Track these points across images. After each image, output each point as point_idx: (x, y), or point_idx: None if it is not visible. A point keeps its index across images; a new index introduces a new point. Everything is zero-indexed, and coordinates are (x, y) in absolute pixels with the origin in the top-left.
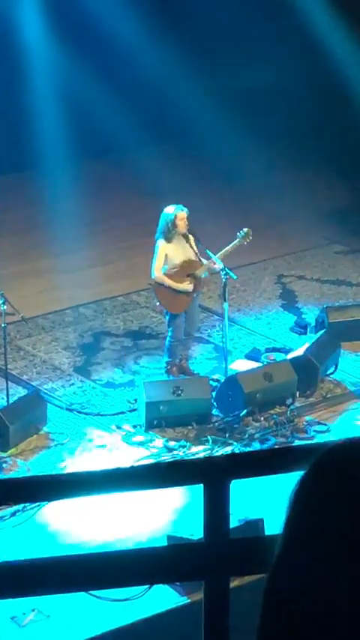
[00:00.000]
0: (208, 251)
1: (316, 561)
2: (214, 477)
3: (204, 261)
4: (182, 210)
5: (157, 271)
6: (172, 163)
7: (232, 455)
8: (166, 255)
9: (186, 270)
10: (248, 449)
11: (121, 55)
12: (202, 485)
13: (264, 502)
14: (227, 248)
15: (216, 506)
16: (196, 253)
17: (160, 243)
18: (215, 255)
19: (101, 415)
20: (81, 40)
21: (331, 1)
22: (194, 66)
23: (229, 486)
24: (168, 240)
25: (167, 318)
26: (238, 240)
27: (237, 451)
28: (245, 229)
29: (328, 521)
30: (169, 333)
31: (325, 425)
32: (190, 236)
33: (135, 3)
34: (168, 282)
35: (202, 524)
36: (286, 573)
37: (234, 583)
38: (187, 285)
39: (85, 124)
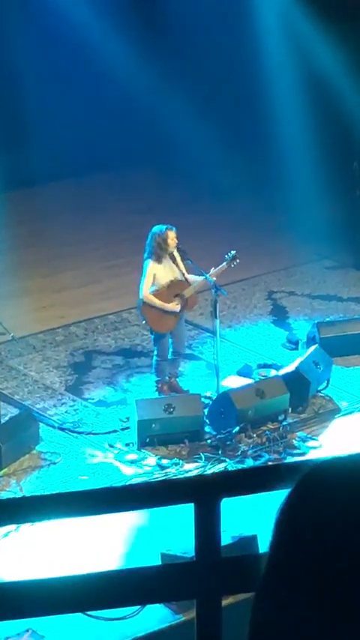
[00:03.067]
0: (198, 268)
1: (299, 581)
2: (204, 496)
3: (191, 280)
4: (171, 229)
5: (146, 291)
6: (160, 181)
7: (222, 473)
8: (154, 275)
9: (173, 290)
10: (241, 466)
11: (110, 73)
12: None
13: (259, 518)
14: (215, 270)
15: (207, 525)
16: (182, 273)
17: (150, 263)
18: (202, 276)
19: (93, 434)
20: (70, 58)
21: (319, 11)
22: (184, 84)
23: (220, 505)
24: (158, 260)
25: (152, 337)
26: (225, 262)
27: (230, 468)
28: (232, 252)
29: (310, 542)
30: (155, 352)
31: (318, 440)
32: (177, 255)
33: (124, 21)
34: (156, 302)
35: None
36: (270, 594)
37: (227, 601)
38: (174, 306)
39: (75, 142)
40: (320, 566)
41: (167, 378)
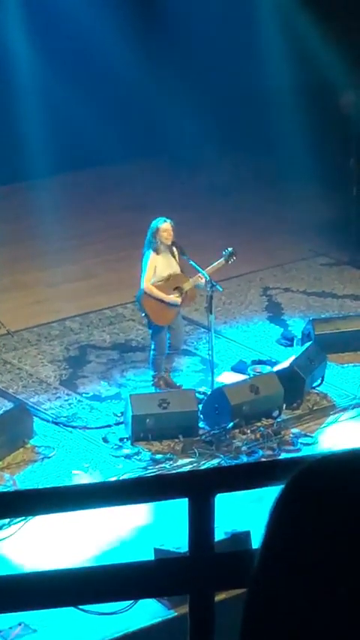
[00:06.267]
0: (194, 264)
1: (291, 577)
2: (198, 491)
3: (193, 270)
4: (166, 221)
5: (147, 282)
6: (157, 176)
7: (216, 468)
8: (154, 268)
9: (172, 283)
10: (235, 461)
11: (107, 67)
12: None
13: (252, 514)
14: (212, 266)
15: (201, 521)
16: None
17: (150, 254)
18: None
19: (88, 428)
20: (66, 51)
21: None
22: (182, 78)
23: (214, 500)
24: (156, 252)
25: (150, 331)
26: (223, 258)
27: (224, 464)
28: (230, 249)
29: (303, 538)
30: (152, 347)
31: (312, 437)
32: (175, 249)
33: (121, 15)
34: (157, 293)
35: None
36: (262, 589)
37: (220, 596)
38: (175, 298)
39: (71, 137)
40: (315, 561)
41: (163, 372)
